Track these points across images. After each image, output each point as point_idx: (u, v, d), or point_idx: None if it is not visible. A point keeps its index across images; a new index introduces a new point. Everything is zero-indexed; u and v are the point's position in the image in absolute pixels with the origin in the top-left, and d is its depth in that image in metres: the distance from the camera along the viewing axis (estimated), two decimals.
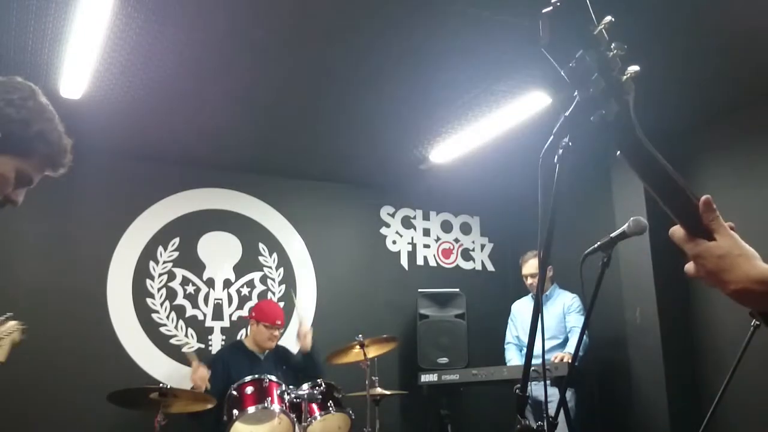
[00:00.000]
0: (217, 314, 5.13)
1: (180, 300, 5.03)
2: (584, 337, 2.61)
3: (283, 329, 4.59)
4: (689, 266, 0.99)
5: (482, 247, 6.24)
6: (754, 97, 4.17)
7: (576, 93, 0.95)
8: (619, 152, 0.98)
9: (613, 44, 0.95)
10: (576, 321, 4.56)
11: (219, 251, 5.24)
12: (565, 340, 4.59)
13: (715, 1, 3.25)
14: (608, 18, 0.95)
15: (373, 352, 4.18)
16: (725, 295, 0.95)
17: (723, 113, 4.42)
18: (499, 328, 5.52)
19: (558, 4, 0.93)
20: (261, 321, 4.43)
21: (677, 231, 0.99)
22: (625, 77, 0.95)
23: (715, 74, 3.93)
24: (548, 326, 4.60)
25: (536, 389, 3.98)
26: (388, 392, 4.21)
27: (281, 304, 5.27)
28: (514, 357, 4.92)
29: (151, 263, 5.01)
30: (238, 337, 5.02)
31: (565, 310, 4.67)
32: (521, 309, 5.04)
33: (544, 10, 0.93)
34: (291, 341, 5.18)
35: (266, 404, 3.73)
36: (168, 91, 4.05)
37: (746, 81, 4.00)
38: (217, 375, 4.25)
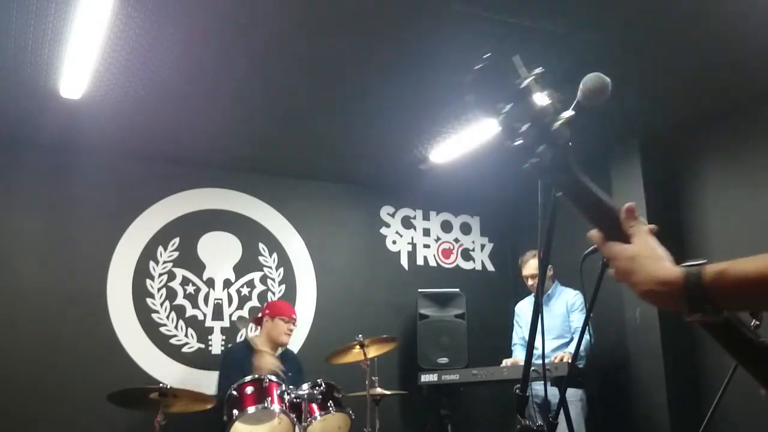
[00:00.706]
0: (217, 314, 5.13)
1: (180, 300, 5.03)
2: (585, 336, 2.60)
3: (296, 325, 4.60)
4: (611, 269, 1.04)
5: (482, 247, 6.24)
6: (753, 97, 4.17)
7: (508, 142, 1.00)
8: (559, 193, 1.04)
9: (545, 92, 1.00)
10: (580, 320, 4.55)
11: (219, 251, 5.24)
12: (572, 339, 4.57)
13: (713, 1, 3.25)
14: (539, 69, 1.00)
15: (373, 352, 4.18)
16: (637, 296, 0.99)
17: (722, 114, 4.42)
18: (499, 328, 5.53)
19: (486, 62, 1.00)
20: (277, 315, 4.49)
21: (594, 234, 1.05)
22: (557, 124, 0.98)
23: (714, 75, 3.93)
24: (553, 325, 4.59)
25: (542, 389, 3.97)
26: (388, 392, 4.20)
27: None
28: (520, 357, 4.91)
29: (151, 263, 5.01)
30: (239, 338, 5.03)
31: (568, 308, 4.66)
32: (525, 309, 5.03)
33: (474, 68, 1.00)
34: (292, 344, 5.20)
35: (266, 404, 3.72)
36: (168, 91, 4.05)
37: (745, 82, 4.00)
38: (230, 367, 4.24)
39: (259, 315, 4.67)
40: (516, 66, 1.00)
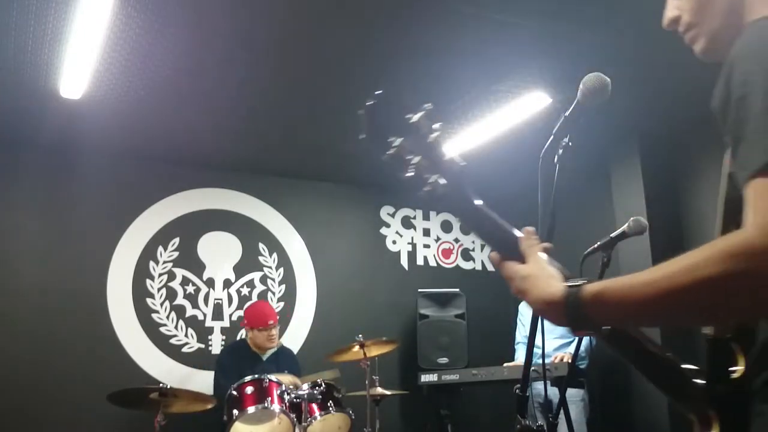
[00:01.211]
0: (217, 314, 5.13)
1: (180, 300, 5.03)
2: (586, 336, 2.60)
3: (277, 325, 4.52)
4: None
5: (482, 247, 6.24)
6: None
7: (400, 173, 1.06)
8: (456, 217, 1.12)
9: (435, 126, 1.06)
10: None
11: (219, 251, 5.24)
12: (574, 339, 4.56)
13: None
14: (428, 105, 1.06)
15: (373, 351, 4.18)
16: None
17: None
18: (499, 328, 5.53)
19: (377, 100, 1.05)
20: (254, 327, 4.43)
21: (494, 256, 1.12)
22: (449, 154, 1.06)
23: (714, 74, 3.92)
24: (555, 326, 4.58)
25: (550, 390, 3.97)
26: (388, 392, 4.20)
27: (281, 304, 5.29)
28: (523, 357, 4.90)
29: (151, 263, 5.01)
30: (239, 338, 5.03)
31: None
32: (527, 308, 5.02)
33: (364, 107, 1.06)
34: (292, 344, 5.20)
35: (266, 404, 3.73)
36: (168, 91, 4.05)
37: None
38: (224, 371, 4.24)
39: (241, 324, 4.68)
40: (407, 102, 1.05)
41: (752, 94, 0.87)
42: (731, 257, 0.80)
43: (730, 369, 0.98)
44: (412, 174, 1.05)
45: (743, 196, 0.85)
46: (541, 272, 1.04)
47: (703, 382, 1.01)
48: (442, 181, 1.05)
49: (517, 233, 1.09)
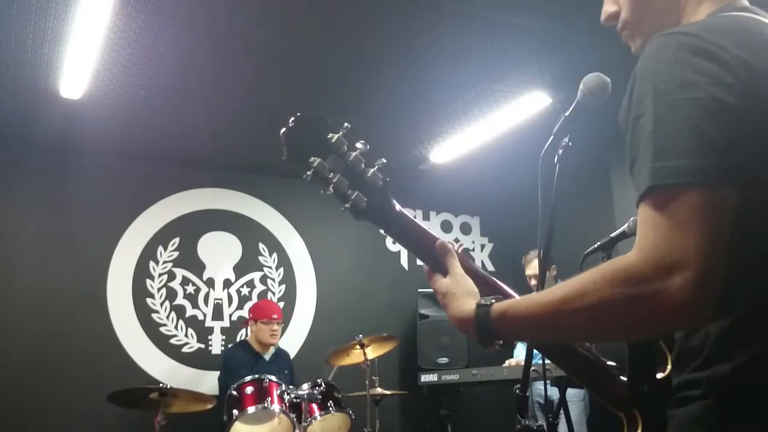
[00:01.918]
0: (217, 314, 5.13)
1: (180, 300, 5.03)
2: None
3: (281, 323, 4.59)
4: None
5: (482, 247, 6.24)
6: None
7: (322, 191, 1.10)
8: (381, 230, 1.16)
9: (357, 144, 1.10)
10: None
11: (219, 251, 5.24)
12: None
13: None
14: (346, 125, 1.10)
15: (373, 351, 4.18)
16: None
17: None
18: None
19: (294, 122, 1.09)
20: (258, 319, 4.48)
21: (424, 267, 1.16)
22: (370, 172, 1.10)
23: None
24: None
25: (550, 389, 3.97)
26: (388, 392, 4.20)
27: (281, 304, 5.29)
28: (521, 353, 4.90)
29: (151, 263, 5.01)
30: (239, 338, 5.03)
31: None
32: None
33: (284, 128, 1.10)
34: (292, 344, 5.20)
35: (266, 404, 3.72)
36: (168, 91, 4.05)
37: None
38: (230, 369, 4.24)
39: (246, 319, 4.70)
40: (326, 123, 1.09)
41: (644, 116, 0.86)
42: (615, 282, 0.82)
43: (658, 369, 1.00)
44: (331, 192, 1.08)
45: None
46: (458, 289, 1.08)
47: (626, 381, 1.04)
48: (363, 198, 1.09)
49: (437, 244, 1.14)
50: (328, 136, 1.09)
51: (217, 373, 4.55)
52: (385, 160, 1.12)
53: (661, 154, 0.82)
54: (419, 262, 5.54)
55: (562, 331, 0.94)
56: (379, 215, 1.13)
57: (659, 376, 1.00)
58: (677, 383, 0.95)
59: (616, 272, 0.82)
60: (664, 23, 1.01)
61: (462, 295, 1.07)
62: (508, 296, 1.07)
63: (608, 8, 1.13)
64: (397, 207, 1.14)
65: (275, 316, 4.50)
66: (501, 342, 1.01)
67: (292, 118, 1.11)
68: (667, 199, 0.81)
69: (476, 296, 1.06)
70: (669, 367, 0.99)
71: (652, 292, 0.78)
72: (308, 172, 1.08)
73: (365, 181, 1.10)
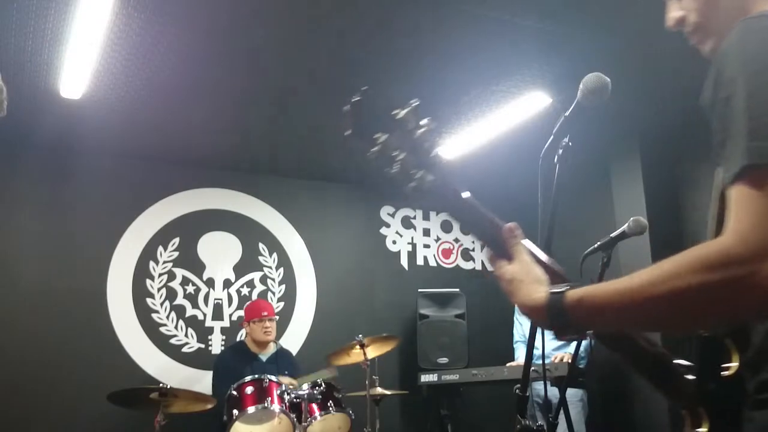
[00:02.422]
0: (217, 314, 5.13)
1: (180, 300, 5.03)
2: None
3: (273, 319, 4.54)
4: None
5: (482, 247, 6.23)
6: None
7: (386, 169, 1.06)
8: (445, 213, 1.07)
9: (422, 122, 1.05)
10: None
11: (219, 251, 5.24)
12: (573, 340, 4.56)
13: None
14: (414, 101, 1.06)
15: (373, 351, 4.18)
16: None
17: None
18: (499, 328, 5.52)
19: (362, 96, 1.06)
20: (250, 319, 4.50)
21: (486, 252, 1.15)
22: (435, 150, 1.05)
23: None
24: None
25: (549, 390, 3.97)
26: (388, 392, 4.20)
27: (281, 304, 5.29)
28: (523, 356, 4.89)
29: (151, 263, 5.01)
30: (239, 338, 5.03)
31: None
32: None
33: (350, 101, 1.05)
34: (291, 344, 5.20)
35: (266, 404, 3.72)
36: (168, 91, 4.05)
37: None
38: (220, 375, 4.25)
39: (241, 324, 4.71)
40: (392, 98, 1.06)
41: (736, 95, 0.86)
42: (708, 267, 0.80)
43: (723, 366, 0.98)
44: (397, 170, 1.05)
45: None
46: (526, 276, 1.05)
47: (694, 378, 1.02)
48: (429, 176, 1.04)
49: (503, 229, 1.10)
50: (394, 112, 1.05)
51: None
52: (449, 140, 1.08)
53: (756, 133, 0.82)
54: (419, 262, 5.54)
55: (644, 319, 0.91)
56: (443, 195, 1.08)
57: (725, 373, 0.98)
58: (757, 384, 0.92)
59: (709, 255, 0.80)
60: (736, 20, 1.01)
61: (531, 281, 1.04)
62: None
63: (674, 14, 1.12)
64: (461, 189, 1.09)
65: (265, 314, 4.49)
66: (574, 332, 0.98)
67: (358, 93, 1.07)
68: (764, 179, 0.80)
69: (545, 283, 1.04)
70: (736, 364, 0.97)
71: (749, 274, 0.77)
72: (373, 149, 1.05)
73: (430, 160, 1.05)
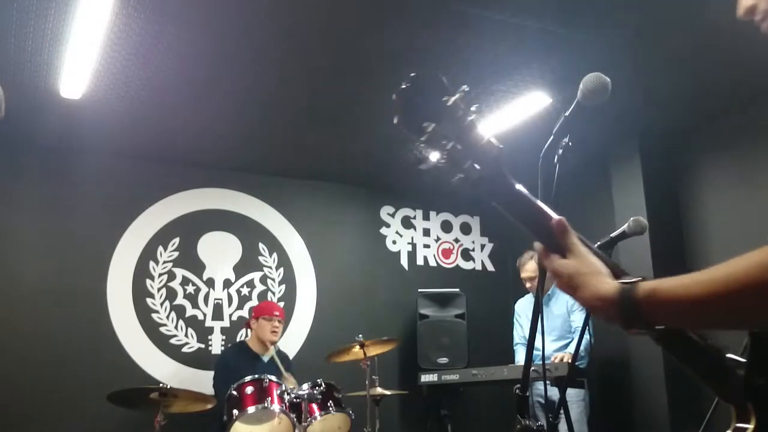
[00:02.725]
0: (217, 314, 5.13)
1: (180, 300, 5.03)
2: (585, 336, 2.60)
3: (282, 321, 4.58)
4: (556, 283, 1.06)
5: (482, 247, 6.24)
6: (752, 97, 4.18)
7: (437, 160, 1.02)
8: (494, 203, 1.05)
9: (472, 109, 1.00)
10: (581, 320, 4.53)
11: (219, 251, 5.24)
12: (573, 340, 4.55)
13: (713, 2, 3.25)
14: (464, 87, 1.00)
15: (373, 352, 4.18)
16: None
17: (721, 114, 4.42)
18: (499, 328, 5.52)
19: (410, 83, 0.99)
20: (260, 316, 4.49)
21: (537, 247, 1.06)
22: (485, 139, 1.00)
23: (714, 75, 3.93)
24: (554, 326, 4.58)
25: (550, 390, 3.97)
26: (388, 392, 4.20)
27: (281, 304, 5.29)
28: (523, 358, 4.88)
29: (151, 263, 5.01)
30: (239, 338, 5.03)
31: (569, 309, 4.64)
32: (525, 308, 5.01)
33: (399, 87, 0.99)
34: (291, 343, 5.20)
35: (266, 404, 3.72)
36: (168, 91, 4.05)
37: (744, 82, 4.00)
38: (221, 375, 4.24)
39: (248, 320, 4.71)
40: (443, 84, 1.00)
41: None
42: None
43: None
44: (446, 160, 1.00)
45: None
46: (590, 268, 1.00)
47: (743, 373, 0.98)
48: (477, 166, 0.99)
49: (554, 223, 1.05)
50: (444, 99, 0.99)
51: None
52: (499, 130, 1.04)
53: None
54: (419, 262, 5.51)
55: (721, 314, 0.87)
56: (492, 188, 1.03)
57: None
58: None
59: None
60: None
61: (595, 274, 0.99)
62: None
63: (746, 2, 1.09)
64: (512, 180, 1.03)
65: (277, 314, 4.52)
66: (644, 326, 0.93)
67: (406, 80, 1.00)
68: None
69: (609, 275, 0.99)
70: None
71: None
72: (421, 139, 1.00)
73: (479, 150, 1.00)
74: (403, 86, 1.00)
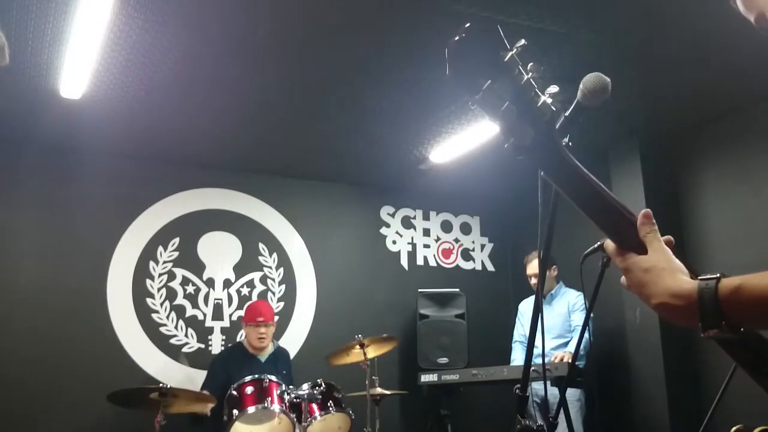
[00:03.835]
0: (217, 314, 5.13)
1: (180, 300, 5.03)
2: (585, 335, 2.60)
3: (269, 324, 4.51)
4: (623, 279, 0.98)
5: (482, 247, 6.24)
6: (751, 97, 4.17)
7: (494, 121, 0.93)
8: (542, 172, 0.96)
9: (528, 66, 0.92)
10: (581, 321, 4.54)
11: (219, 251, 5.24)
12: (572, 339, 4.57)
13: (713, 3, 3.25)
14: (522, 41, 0.92)
15: (373, 351, 4.18)
16: (651, 309, 0.93)
17: (721, 114, 4.42)
18: (499, 328, 5.53)
19: (464, 34, 0.91)
20: (246, 323, 4.51)
21: (609, 245, 0.99)
22: (541, 100, 0.91)
23: (713, 75, 3.93)
24: (554, 325, 4.59)
25: (542, 389, 3.97)
26: (388, 392, 4.20)
27: (281, 304, 5.29)
28: (519, 356, 4.91)
29: (151, 263, 5.01)
30: (239, 338, 5.03)
31: (570, 309, 4.65)
32: (528, 308, 5.02)
33: (450, 40, 0.91)
34: (292, 343, 5.20)
35: (266, 404, 3.73)
36: (168, 91, 4.05)
37: (743, 82, 4.00)
38: (216, 376, 4.26)
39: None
40: (500, 38, 0.90)
41: None
42: None
43: None
44: (503, 121, 0.91)
45: None
46: (668, 264, 0.91)
47: None
48: (531, 131, 0.90)
49: (631, 215, 0.95)
50: (501, 54, 0.91)
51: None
52: (557, 88, 0.93)
53: None
54: (419, 262, 5.51)
55: None
56: (544, 155, 0.94)
57: None
58: None
59: None
60: None
61: (674, 270, 0.90)
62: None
63: (762, 6, 1.06)
64: (566, 151, 0.94)
65: (261, 319, 4.43)
66: (726, 327, 0.84)
67: (461, 30, 0.91)
68: None
69: (687, 274, 0.91)
70: None
71: None
72: (475, 96, 0.91)
73: (534, 111, 0.91)
74: (458, 37, 0.91)
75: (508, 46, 0.91)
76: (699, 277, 0.88)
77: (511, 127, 0.91)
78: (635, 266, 0.94)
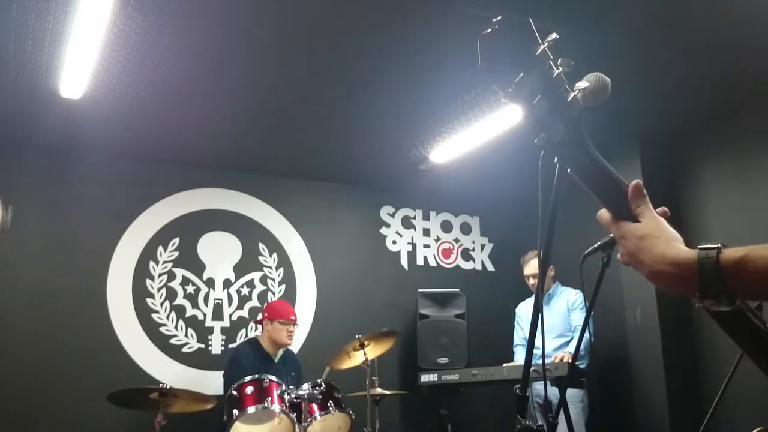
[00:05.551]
0: (217, 314, 5.13)
1: (180, 300, 5.03)
2: (585, 335, 2.60)
3: (296, 324, 4.55)
4: (620, 253, 0.98)
5: (482, 247, 6.24)
6: (751, 97, 4.17)
7: (527, 117, 0.94)
8: (569, 170, 0.96)
9: (559, 61, 0.93)
10: (580, 319, 4.54)
11: (219, 251, 5.24)
12: (572, 339, 4.56)
13: (713, 3, 3.25)
14: (553, 35, 0.93)
15: (372, 349, 4.17)
16: (645, 278, 0.93)
17: (720, 114, 4.42)
18: (499, 328, 5.53)
19: (497, 27, 0.92)
20: (275, 319, 4.44)
21: (603, 214, 0.99)
22: (571, 95, 0.92)
23: (713, 75, 3.93)
24: (554, 324, 4.59)
25: (542, 389, 3.97)
26: (388, 392, 4.20)
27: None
28: (522, 359, 4.90)
29: (151, 263, 5.01)
30: (239, 338, 5.03)
31: (569, 307, 4.65)
32: (526, 310, 5.03)
33: (483, 32, 0.92)
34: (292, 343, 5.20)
35: (266, 404, 3.72)
36: (168, 91, 4.05)
37: (743, 82, 4.00)
38: (245, 369, 4.18)
39: (259, 317, 4.66)
40: (531, 31, 0.91)
41: None
42: None
43: None
44: (534, 115, 0.91)
45: None
46: (663, 232, 0.91)
47: None
48: (561, 126, 0.91)
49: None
50: (533, 47, 0.91)
51: (218, 373, 4.56)
52: (587, 83, 0.94)
53: None
54: (419, 262, 5.52)
55: None
56: (572, 152, 0.94)
57: None
58: None
59: None
60: None
61: (670, 238, 0.90)
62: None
63: None
64: (589, 143, 0.95)
65: (293, 318, 4.49)
66: (725, 300, 0.83)
67: (494, 22, 0.92)
68: None
69: (682, 242, 0.90)
70: None
71: None
72: (508, 89, 0.92)
73: (564, 107, 0.91)
74: (491, 29, 0.92)
75: (540, 40, 0.92)
76: (698, 246, 0.87)
77: (542, 123, 0.91)
78: (630, 234, 0.94)
